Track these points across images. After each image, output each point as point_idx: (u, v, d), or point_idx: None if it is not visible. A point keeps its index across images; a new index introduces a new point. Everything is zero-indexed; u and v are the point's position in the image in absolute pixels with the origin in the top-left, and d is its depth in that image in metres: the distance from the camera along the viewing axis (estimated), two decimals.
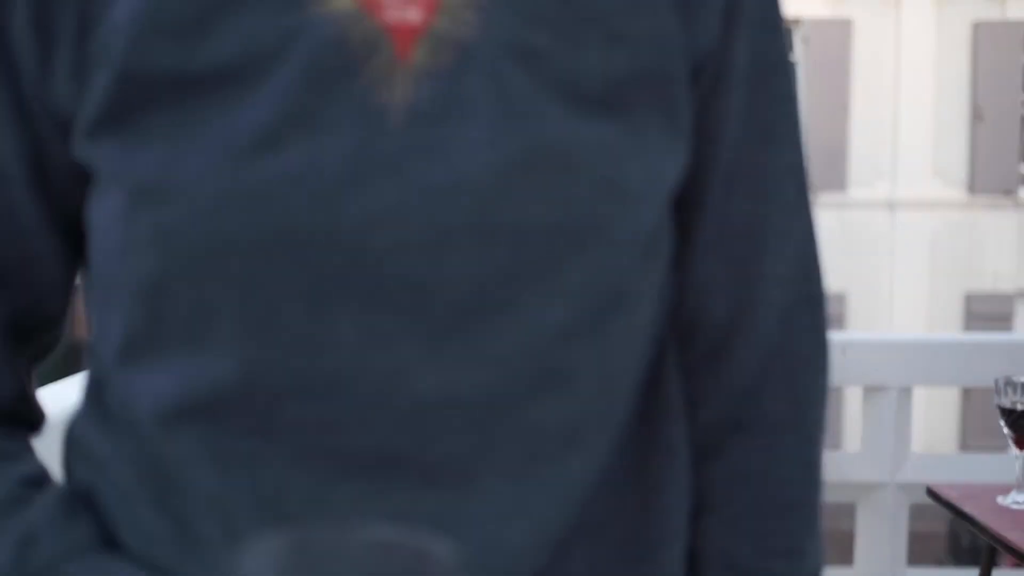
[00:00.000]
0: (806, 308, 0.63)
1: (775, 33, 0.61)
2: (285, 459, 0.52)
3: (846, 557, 3.53)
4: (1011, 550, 1.86)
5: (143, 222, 0.52)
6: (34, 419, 0.65)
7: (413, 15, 0.51)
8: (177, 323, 0.53)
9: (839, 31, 12.11)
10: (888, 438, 2.92)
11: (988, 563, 2.14)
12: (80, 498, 0.60)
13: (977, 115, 12.08)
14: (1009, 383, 1.99)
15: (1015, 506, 2.01)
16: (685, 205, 0.60)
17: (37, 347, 0.63)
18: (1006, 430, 1.98)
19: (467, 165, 0.51)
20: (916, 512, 3.13)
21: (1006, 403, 1.98)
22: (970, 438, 11.89)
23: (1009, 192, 12.16)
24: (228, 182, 0.50)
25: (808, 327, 0.64)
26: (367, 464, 0.52)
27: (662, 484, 0.62)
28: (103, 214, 0.54)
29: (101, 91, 0.52)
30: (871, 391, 2.97)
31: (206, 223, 0.50)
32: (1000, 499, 2.05)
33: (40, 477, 0.60)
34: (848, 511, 3.15)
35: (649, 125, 0.55)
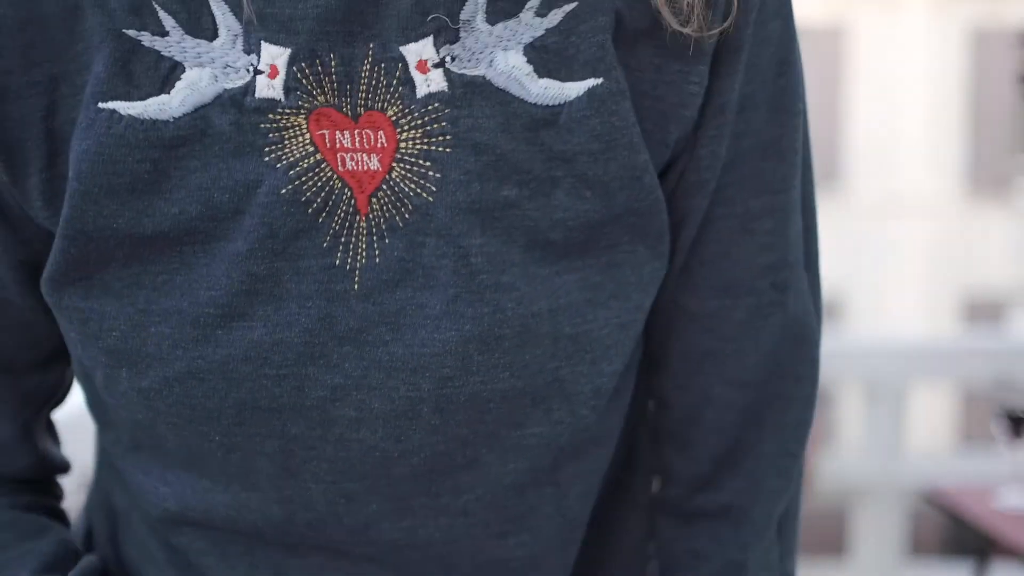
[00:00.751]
0: (768, 412, 0.61)
1: (778, 106, 0.57)
2: (272, 565, 0.56)
3: (843, 556, 3.54)
4: (1007, 549, 1.87)
5: (124, 381, 0.52)
6: (57, 470, 0.66)
7: (373, 163, 0.50)
8: (171, 452, 0.55)
9: (835, 34, 12.12)
10: (885, 438, 2.94)
11: (983, 562, 2.16)
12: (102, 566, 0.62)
13: (973, 117, 12.09)
14: (1006, 383, 2.00)
15: (1010, 505, 2.02)
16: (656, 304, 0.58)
17: (48, 411, 0.65)
18: (1002, 430, 1.99)
19: (426, 342, 0.50)
20: (913, 511, 3.14)
21: (1003, 403, 1.99)
22: (967, 438, 11.91)
23: (1006, 193, 12.17)
24: (195, 357, 0.50)
25: (770, 429, 0.60)
26: None
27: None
28: (86, 358, 0.54)
29: (55, 249, 0.51)
30: (869, 390, 2.98)
31: (180, 394, 0.51)
32: (996, 499, 2.06)
33: (65, 555, 0.61)
34: (846, 510, 3.16)
35: (628, 259, 0.54)
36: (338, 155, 0.49)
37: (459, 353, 0.50)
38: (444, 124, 0.50)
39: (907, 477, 2.92)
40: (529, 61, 0.50)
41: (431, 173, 0.50)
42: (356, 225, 0.50)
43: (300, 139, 0.49)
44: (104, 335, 0.51)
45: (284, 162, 0.49)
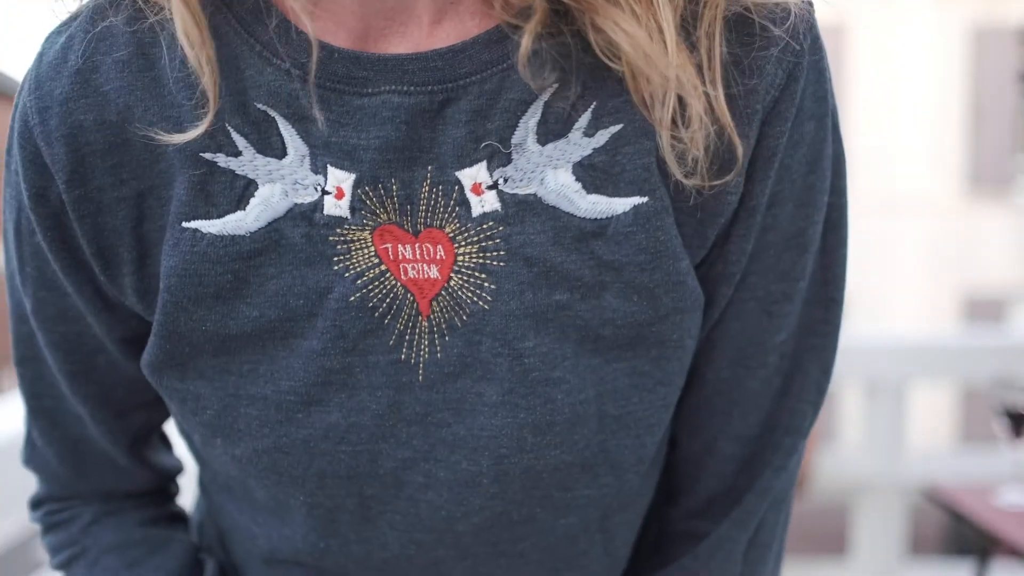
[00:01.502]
0: (759, 461, 0.64)
1: (806, 197, 0.59)
2: None
3: (844, 554, 3.54)
4: (1007, 547, 1.87)
5: (219, 447, 0.60)
6: (174, 475, 0.75)
7: (433, 272, 0.54)
8: (261, 500, 0.62)
9: (836, 32, 12.12)
10: (886, 436, 2.94)
11: (984, 560, 2.16)
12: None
13: (974, 115, 12.09)
14: (1006, 381, 2.00)
15: (1011, 504, 2.02)
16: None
17: (158, 433, 0.73)
18: (1003, 428, 1.99)
19: (485, 425, 0.56)
20: (913, 510, 3.14)
21: (1003, 401, 1.99)
22: (967, 436, 11.91)
23: (1006, 191, 12.17)
24: (280, 435, 0.57)
25: (760, 475, 0.64)
26: None
27: None
28: (185, 424, 0.62)
29: (151, 345, 0.58)
30: (869, 389, 2.98)
31: (269, 463, 0.58)
32: (996, 497, 2.06)
33: (191, 562, 0.70)
34: (846, 508, 3.16)
35: (675, 352, 0.58)
36: (400, 266, 0.55)
37: (514, 436, 0.56)
38: (498, 241, 0.54)
39: (908, 475, 2.92)
40: (578, 179, 0.53)
41: (487, 284, 0.55)
42: (419, 325, 0.55)
43: (366, 251, 0.54)
44: (200, 412, 0.58)
45: (352, 272, 0.55)
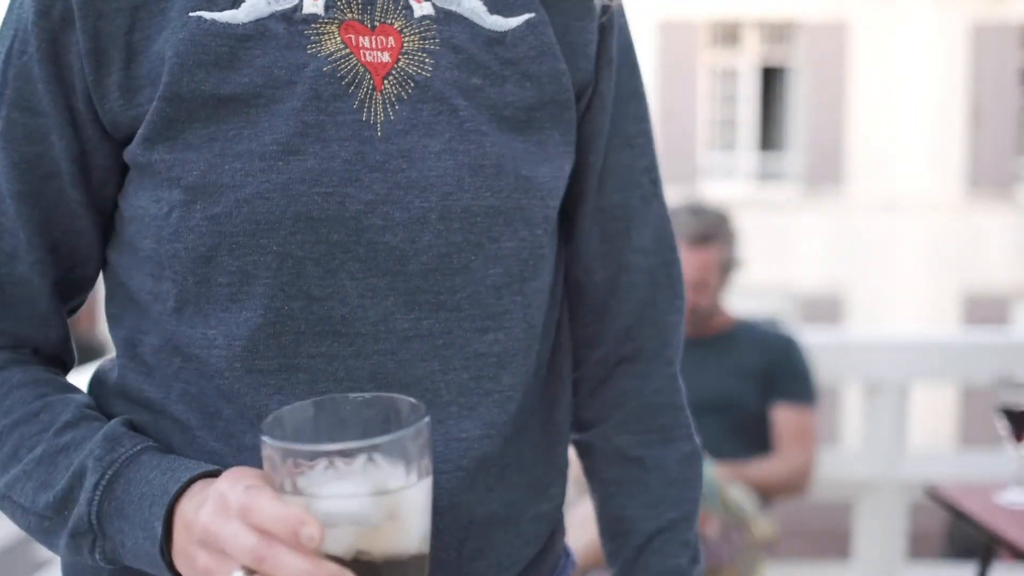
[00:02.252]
0: (664, 270, 0.86)
1: (633, 68, 0.84)
2: (303, 386, 0.71)
3: (845, 555, 3.54)
4: (1009, 548, 1.87)
5: (197, 212, 0.69)
6: (70, 362, 0.83)
7: (384, 57, 0.72)
8: (221, 287, 0.71)
9: (837, 31, 12.12)
10: (887, 436, 2.93)
11: (986, 560, 2.15)
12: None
13: (975, 115, 12.09)
14: (1007, 381, 2.00)
15: (1013, 504, 2.02)
16: (571, 196, 0.82)
17: (72, 306, 0.82)
18: (1004, 428, 1.99)
19: (432, 169, 0.72)
20: (914, 510, 3.14)
21: (1004, 401, 1.99)
22: (968, 436, 11.90)
23: (1007, 191, 12.17)
24: (263, 181, 0.69)
25: (666, 283, 0.86)
26: (363, 386, 0.71)
27: (559, 421, 0.84)
28: (157, 206, 0.71)
29: (154, 110, 0.69)
30: (870, 389, 2.98)
31: (248, 212, 0.69)
32: (998, 497, 2.05)
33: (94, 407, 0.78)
34: (847, 509, 3.15)
35: (551, 139, 0.77)
36: (360, 51, 0.72)
37: (455, 175, 0.72)
38: (433, 33, 0.74)
39: (908, 475, 2.92)
40: (484, 3, 0.76)
41: (427, 61, 0.73)
42: (374, 96, 0.72)
43: (334, 39, 0.72)
44: (185, 175, 0.69)
45: (323, 53, 0.71)
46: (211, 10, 0.71)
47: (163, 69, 0.69)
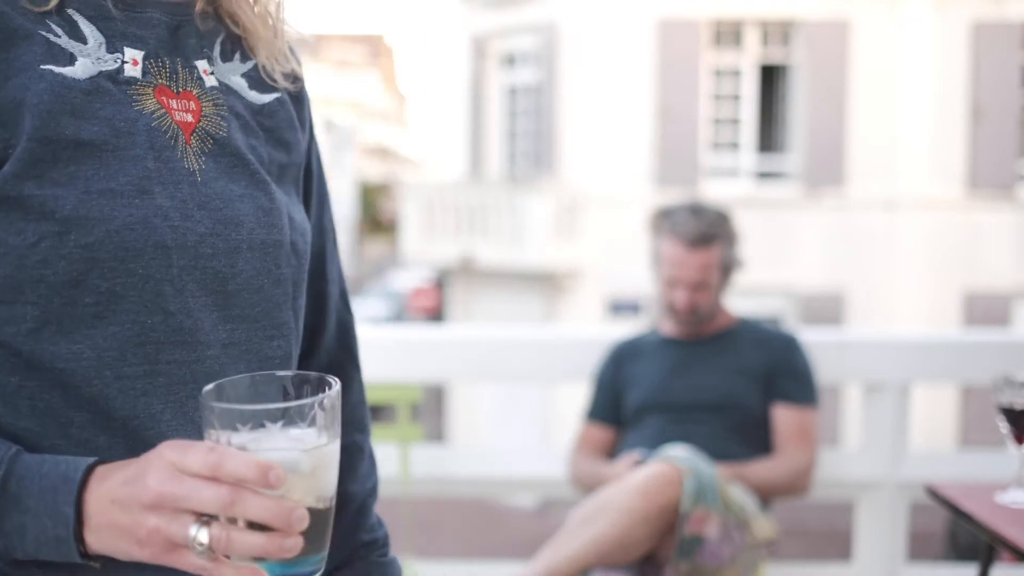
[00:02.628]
0: (345, 295, 1.08)
1: (313, 132, 1.04)
2: (163, 388, 0.84)
3: (846, 554, 3.53)
4: (1010, 548, 1.87)
5: (71, 241, 0.79)
6: None
7: (189, 118, 0.88)
8: (88, 307, 0.81)
9: (838, 30, 12.12)
10: (887, 436, 2.93)
11: (987, 561, 2.15)
12: None
13: (976, 114, 12.08)
14: (1008, 381, 1.99)
15: (1014, 504, 2.02)
16: None
17: None
18: (1005, 428, 1.99)
19: (239, 209, 0.89)
20: (915, 510, 3.14)
21: (1005, 401, 1.98)
22: (969, 436, 11.89)
23: (1008, 191, 12.16)
24: (127, 215, 0.81)
25: (347, 306, 1.09)
26: (203, 386, 0.77)
27: None
28: (20, 237, 0.79)
29: (24, 150, 0.79)
30: (870, 389, 2.98)
31: (119, 240, 0.81)
32: (999, 497, 2.05)
33: None
34: (847, 509, 3.15)
35: (295, 192, 0.98)
36: (172, 112, 0.87)
37: (254, 215, 0.90)
38: (220, 101, 0.92)
39: (909, 475, 2.92)
40: (245, 81, 0.95)
41: (221, 123, 0.90)
42: (188, 148, 0.87)
43: (151, 100, 0.87)
44: (59, 209, 0.79)
45: (147, 111, 0.86)
46: (56, 65, 0.82)
47: (16, 114, 0.80)
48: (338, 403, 0.72)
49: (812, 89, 12.16)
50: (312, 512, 0.69)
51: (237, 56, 0.96)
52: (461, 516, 11.37)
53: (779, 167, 12.71)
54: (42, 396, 0.81)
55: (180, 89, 0.89)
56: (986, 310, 12.21)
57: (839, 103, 12.15)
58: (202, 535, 0.68)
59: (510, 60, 13.56)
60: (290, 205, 0.95)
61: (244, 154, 0.91)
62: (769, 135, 12.75)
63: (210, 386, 0.72)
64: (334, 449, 0.71)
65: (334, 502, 0.72)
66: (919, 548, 4.07)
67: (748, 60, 12.39)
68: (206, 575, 0.69)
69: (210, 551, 0.68)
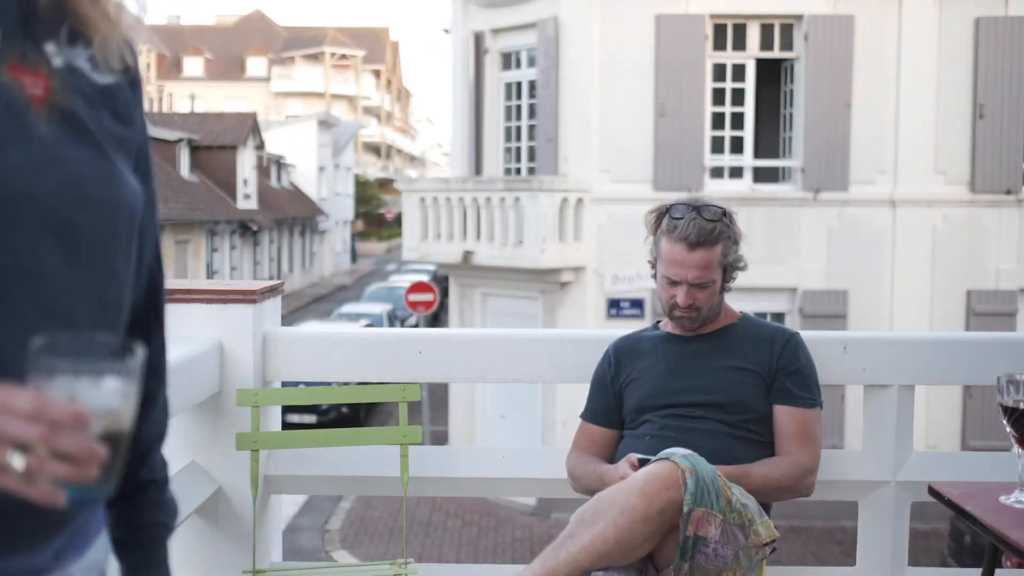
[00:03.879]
0: (160, 257, 1.22)
1: (146, 120, 1.16)
2: (5, 319, 0.95)
3: (848, 555, 3.52)
4: (1014, 549, 1.85)
5: None
6: None
7: (39, 91, 0.99)
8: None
9: (841, 28, 12.11)
10: (890, 437, 2.92)
11: (990, 562, 2.14)
12: None
13: (979, 112, 12.07)
14: (1011, 381, 1.98)
15: (1017, 505, 2.00)
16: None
17: None
18: (1008, 428, 1.97)
19: (85, 168, 1.01)
20: (918, 511, 3.12)
21: (1008, 401, 1.97)
22: (972, 437, 11.89)
23: (1011, 190, 12.15)
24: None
25: (160, 267, 1.22)
26: (56, 319, 0.96)
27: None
28: None
29: None
30: (873, 389, 2.96)
31: None
32: (1002, 498, 2.04)
33: None
34: (850, 509, 3.14)
35: (129, 162, 1.09)
36: (25, 85, 0.98)
37: (95, 176, 1.01)
38: (67, 79, 1.02)
39: (911, 475, 2.90)
40: (88, 64, 1.05)
41: (68, 98, 1.01)
42: (38, 117, 0.98)
43: (6, 74, 0.97)
44: None
45: (4, 81, 0.97)
46: None
47: None
48: (142, 364, 0.87)
49: (814, 87, 12.14)
50: (108, 449, 0.85)
51: (81, 42, 1.06)
52: (461, 517, 11.36)
53: (781, 166, 12.70)
54: None
55: (31, 67, 1.00)
56: (989, 310, 12.19)
57: (841, 101, 12.14)
58: (17, 460, 0.81)
59: (511, 58, 13.55)
60: (126, 172, 1.07)
61: (88, 125, 1.03)
62: (771, 134, 12.74)
63: (40, 339, 0.84)
64: (133, 400, 0.87)
65: (128, 442, 0.87)
66: (922, 549, 4.05)
67: (750, 57, 12.38)
68: (19, 492, 0.82)
69: (23, 474, 0.81)
